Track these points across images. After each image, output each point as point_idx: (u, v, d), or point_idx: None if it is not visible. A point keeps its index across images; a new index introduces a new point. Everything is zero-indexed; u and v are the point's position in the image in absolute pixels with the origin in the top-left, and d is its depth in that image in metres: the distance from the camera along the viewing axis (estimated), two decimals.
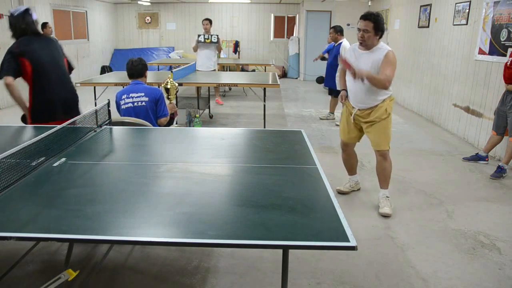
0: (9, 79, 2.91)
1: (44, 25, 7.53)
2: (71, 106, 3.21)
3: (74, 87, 3.32)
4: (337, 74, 3.41)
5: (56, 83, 3.12)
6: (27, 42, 3.03)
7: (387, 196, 3.39)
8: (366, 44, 3.20)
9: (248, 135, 2.95)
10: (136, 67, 3.42)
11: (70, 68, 3.36)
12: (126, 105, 3.32)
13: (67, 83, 3.23)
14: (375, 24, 3.12)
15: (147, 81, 3.61)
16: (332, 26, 6.56)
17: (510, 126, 4.12)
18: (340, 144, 3.66)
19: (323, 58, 9.18)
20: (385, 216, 3.26)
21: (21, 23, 3.03)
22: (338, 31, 6.30)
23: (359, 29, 3.17)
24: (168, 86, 3.89)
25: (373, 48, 3.20)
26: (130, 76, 3.46)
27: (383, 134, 3.30)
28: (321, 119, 6.82)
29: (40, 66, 3.03)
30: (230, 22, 12.79)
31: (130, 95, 3.33)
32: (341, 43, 6.26)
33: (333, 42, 9.65)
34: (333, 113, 6.80)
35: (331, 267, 2.53)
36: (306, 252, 2.65)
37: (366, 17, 3.15)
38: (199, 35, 7.25)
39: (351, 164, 3.73)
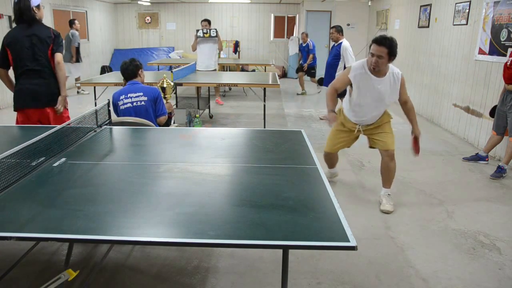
0: None
1: (73, 21, 8.50)
2: (38, 97, 3.35)
3: (50, 81, 3.36)
4: (328, 92, 3.33)
5: (28, 74, 3.31)
6: (13, 32, 3.27)
7: (389, 194, 3.43)
8: (379, 70, 3.09)
9: (248, 135, 2.95)
10: (127, 69, 3.41)
11: (58, 51, 3.36)
12: (125, 105, 3.32)
13: (40, 76, 3.33)
14: (390, 50, 2.98)
15: (145, 81, 3.61)
16: (332, 26, 6.59)
17: (510, 126, 4.12)
18: (324, 153, 3.70)
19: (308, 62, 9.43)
20: (386, 213, 3.30)
21: (14, 9, 3.26)
22: (339, 31, 6.34)
23: (372, 54, 3.02)
24: (164, 85, 3.90)
25: (387, 73, 3.14)
26: (125, 78, 3.46)
27: (390, 134, 3.38)
28: (321, 119, 6.82)
29: (18, 58, 3.27)
30: (230, 22, 12.79)
31: (129, 95, 3.32)
32: (341, 43, 6.27)
33: (302, 42, 9.82)
34: None
35: (331, 267, 2.53)
36: (306, 252, 2.64)
37: (380, 42, 2.98)
38: (197, 30, 7.29)
39: (332, 162, 3.84)
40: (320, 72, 9.25)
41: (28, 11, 3.22)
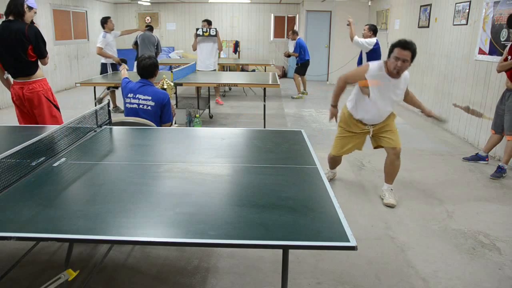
0: None
1: (106, 20, 7.46)
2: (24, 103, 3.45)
3: (27, 83, 3.42)
4: (339, 83, 3.39)
5: (14, 79, 3.41)
6: (0, 31, 3.30)
7: (391, 189, 3.54)
8: (401, 73, 3.18)
9: (248, 135, 2.95)
10: (147, 68, 3.32)
11: (41, 55, 3.41)
12: (131, 105, 3.28)
13: (19, 81, 3.41)
14: (413, 53, 3.07)
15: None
16: (367, 24, 6.58)
17: (506, 124, 4.12)
18: (330, 156, 3.79)
19: (289, 55, 9.31)
20: (391, 206, 3.40)
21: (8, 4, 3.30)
22: (371, 29, 6.40)
23: (397, 58, 3.06)
24: (165, 86, 3.89)
25: (402, 75, 3.25)
26: (140, 75, 3.37)
27: (396, 132, 3.49)
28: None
29: (2, 60, 3.38)
30: (230, 22, 12.79)
31: (137, 96, 3.27)
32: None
33: (292, 40, 9.57)
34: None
35: (331, 267, 2.53)
36: (306, 252, 2.65)
37: (405, 46, 3.04)
38: (197, 29, 7.33)
39: (336, 164, 3.95)
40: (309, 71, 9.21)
41: (20, 6, 3.22)
